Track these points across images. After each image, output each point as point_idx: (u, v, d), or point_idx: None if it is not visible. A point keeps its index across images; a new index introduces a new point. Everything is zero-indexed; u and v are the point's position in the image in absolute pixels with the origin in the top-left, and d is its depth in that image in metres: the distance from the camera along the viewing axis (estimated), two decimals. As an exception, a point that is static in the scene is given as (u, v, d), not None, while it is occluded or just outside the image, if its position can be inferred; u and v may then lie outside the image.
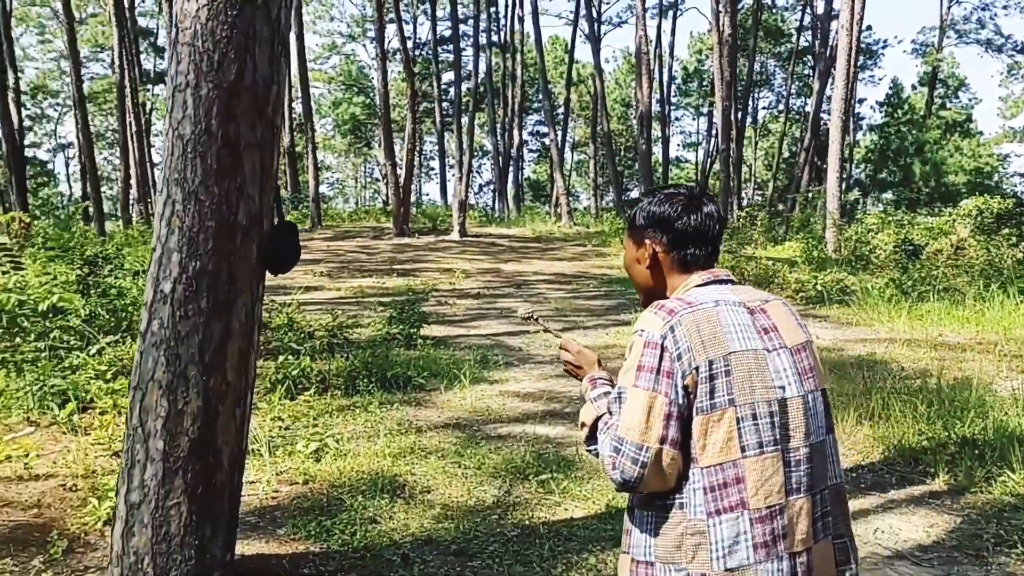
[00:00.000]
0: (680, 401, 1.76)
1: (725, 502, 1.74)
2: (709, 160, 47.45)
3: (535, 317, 2.48)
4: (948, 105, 53.57)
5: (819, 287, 13.21)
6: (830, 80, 32.19)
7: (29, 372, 6.81)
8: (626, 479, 1.76)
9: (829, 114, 25.25)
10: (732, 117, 31.55)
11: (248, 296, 3.27)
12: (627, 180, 54.71)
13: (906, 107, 51.84)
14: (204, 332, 3.16)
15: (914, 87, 53.39)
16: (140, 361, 3.22)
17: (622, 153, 55.76)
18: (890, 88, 53.22)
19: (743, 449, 1.75)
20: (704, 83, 54.29)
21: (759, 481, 1.75)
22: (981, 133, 53.80)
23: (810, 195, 31.01)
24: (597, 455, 1.87)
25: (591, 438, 1.94)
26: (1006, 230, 21.15)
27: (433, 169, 64.77)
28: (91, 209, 25.93)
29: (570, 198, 35.07)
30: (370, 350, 7.83)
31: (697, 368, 1.76)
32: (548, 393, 7.40)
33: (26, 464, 5.16)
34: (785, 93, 56.68)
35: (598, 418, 1.92)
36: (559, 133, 38.59)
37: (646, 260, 2.02)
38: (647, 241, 2.01)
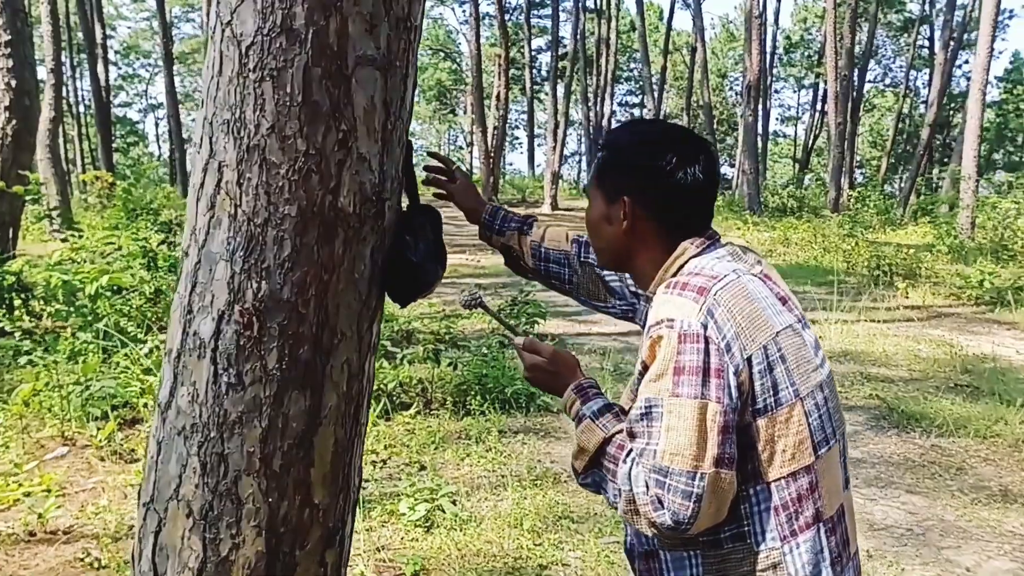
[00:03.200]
0: (735, 405, 1.39)
1: (801, 520, 1.45)
2: (812, 134, 44.92)
3: (479, 301, 1.94)
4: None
5: (992, 284, 11.21)
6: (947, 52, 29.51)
7: (67, 372, 5.51)
8: (679, 521, 1.35)
9: (952, 88, 22.97)
10: (849, 88, 29.16)
11: (353, 344, 1.76)
12: (720, 154, 52.33)
13: (1028, 82, 48.18)
14: (272, 414, 1.67)
15: (1040, 60, 49.36)
16: (156, 458, 1.75)
17: (714, 126, 53.51)
18: (1010, 62, 49.55)
19: (816, 449, 1.47)
20: (810, 53, 51.36)
21: (830, 484, 1.49)
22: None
23: (935, 175, 28.65)
24: (599, 491, 1.53)
25: (591, 469, 1.52)
26: None
27: (518, 139, 63.29)
28: (175, 171, 25.25)
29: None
30: (480, 357, 6.32)
31: (750, 359, 1.41)
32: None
33: (41, 515, 3.82)
34: (892, 66, 53.54)
35: (605, 441, 1.51)
36: (656, 103, 36.50)
37: (620, 222, 1.61)
38: (625, 198, 1.59)
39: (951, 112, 42.70)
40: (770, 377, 1.43)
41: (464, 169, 2.12)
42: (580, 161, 58.07)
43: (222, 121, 1.65)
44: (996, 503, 4.44)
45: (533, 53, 42.15)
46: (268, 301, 1.64)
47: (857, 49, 35.09)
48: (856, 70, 34.33)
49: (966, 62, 42.03)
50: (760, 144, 41.69)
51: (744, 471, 1.42)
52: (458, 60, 56.55)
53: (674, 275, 1.54)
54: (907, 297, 11.44)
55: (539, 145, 48.92)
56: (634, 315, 1.98)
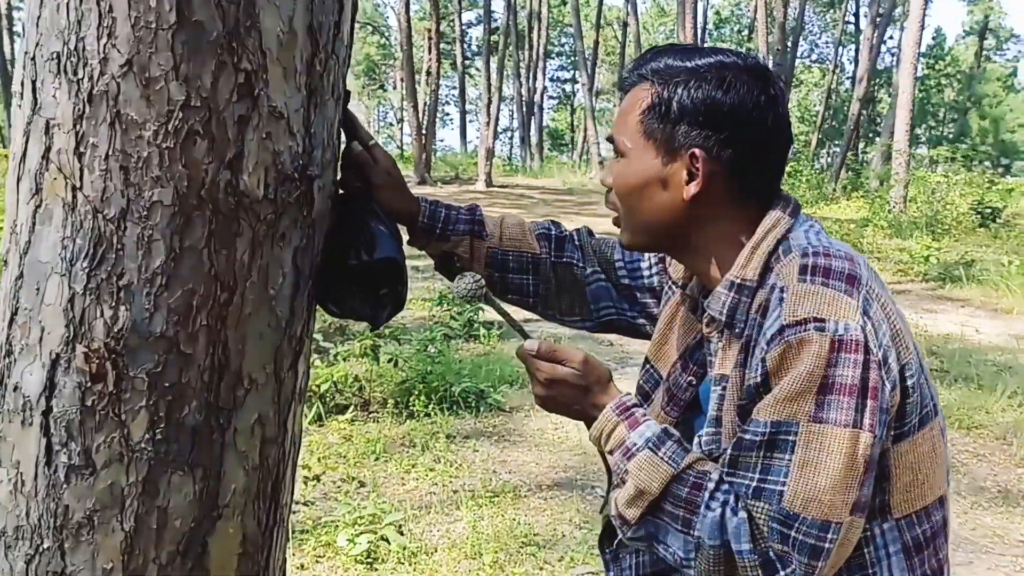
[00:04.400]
0: (884, 434, 1.08)
1: (933, 561, 1.16)
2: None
3: (484, 293, 1.32)
4: (993, 58, 50.94)
5: (938, 260, 11.03)
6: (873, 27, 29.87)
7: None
8: None
9: (877, 63, 23.26)
10: (783, 63, 29.19)
11: (268, 394, 1.19)
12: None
13: (948, 59, 49.21)
14: (141, 510, 1.09)
15: (959, 38, 50.56)
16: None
17: (648, 102, 53.53)
18: (933, 38, 50.43)
19: (947, 473, 1.19)
20: (740, 28, 51.62)
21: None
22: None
23: (868, 151, 29.03)
24: (654, 545, 1.14)
25: (649, 515, 1.13)
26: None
27: (449, 115, 62.43)
28: None
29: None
30: (423, 349, 5.72)
31: (903, 369, 1.09)
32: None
33: None
34: (819, 41, 54.09)
35: (674, 479, 1.11)
36: (590, 78, 36.07)
37: (682, 185, 1.17)
38: (696, 151, 1.15)
39: (875, 88, 43.33)
40: (920, 392, 1.12)
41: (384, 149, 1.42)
42: (512, 137, 57.49)
43: (50, 55, 1.05)
44: (998, 507, 4.07)
45: (464, 27, 41.24)
46: (130, 337, 1.05)
47: (802, 23, 35.29)
48: (795, 46, 34.46)
49: (891, 38, 42.61)
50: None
51: (871, 505, 1.11)
52: (386, 34, 55.30)
53: (771, 255, 1.16)
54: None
55: (471, 121, 48.16)
56: (624, 324, 1.53)
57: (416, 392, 5.18)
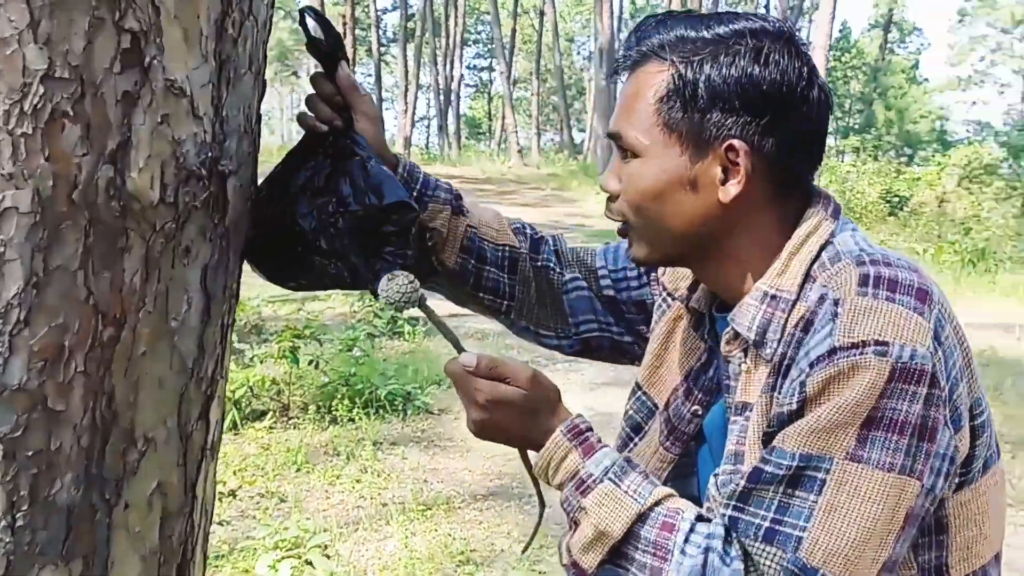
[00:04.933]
0: (940, 484, 0.89)
1: None
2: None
3: (420, 299, 1.03)
4: (897, 51, 52.72)
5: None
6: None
7: None
8: None
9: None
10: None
11: (171, 455, 0.92)
12: (571, 118, 52.68)
13: (854, 51, 50.69)
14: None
15: (864, 31, 52.21)
16: None
17: (565, 91, 53.76)
18: (839, 31, 51.89)
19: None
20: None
21: None
22: (927, 80, 53.15)
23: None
24: None
25: (610, 562, 0.93)
26: (998, 182, 20.41)
27: (364, 103, 61.31)
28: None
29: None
30: (346, 349, 5.41)
31: (974, 405, 0.93)
32: (608, 417, 5.15)
33: None
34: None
35: (639, 518, 0.92)
36: (508, 66, 35.88)
37: (716, 185, 0.96)
38: (735, 143, 0.94)
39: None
40: (987, 432, 0.96)
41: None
42: (429, 126, 57.05)
43: None
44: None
45: (379, 13, 40.52)
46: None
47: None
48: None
49: (800, 29, 43.75)
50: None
51: (922, 564, 0.95)
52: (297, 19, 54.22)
53: (814, 263, 0.96)
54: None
55: (387, 109, 47.54)
56: (608, 343, 1.29)
57: (339, 396, 4.89)
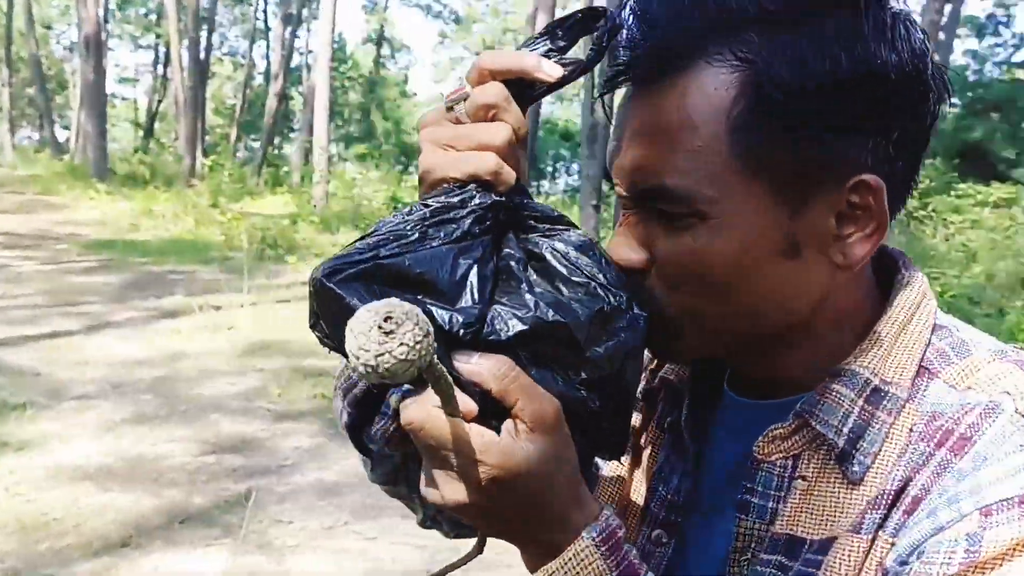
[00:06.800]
0: None
1: None
2: (155, 98, 43.10)
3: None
4: (388, 65, 56.43)
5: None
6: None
7: None
8: None
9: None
10: (197, 53, 28.49)
11: None
12: (52, 112, 47.44)
13: (351, 63, 53.10)
14: None
15: (359, 44, 55.09)
16: None
17: (45, 83, 48.19)
18: (336, 43, 53.96)
19: None
20: (147, 11, 49.20)
21: None
22: (416, 94, 57.84)
23: (284, 147, 30.04)
24: None
25: None
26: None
27: None
28: None
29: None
30: None
31: None
32: (136, 462, 4.55)
33: None
34: (228, 34, 54.08)
35: None
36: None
37: (826, 243, 0.65)
38: (866, 177, 0.63)
39: (287, 86, 45.00)
40: None
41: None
42: None
43: None
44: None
45: None
46: None
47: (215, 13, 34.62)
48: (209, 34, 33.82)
49: (297, 36, 44.49)
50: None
51: None
52: None
53: (927, 349, 0.69)
54: (300, 272, 11.21)
55: None
56: None
57: None
